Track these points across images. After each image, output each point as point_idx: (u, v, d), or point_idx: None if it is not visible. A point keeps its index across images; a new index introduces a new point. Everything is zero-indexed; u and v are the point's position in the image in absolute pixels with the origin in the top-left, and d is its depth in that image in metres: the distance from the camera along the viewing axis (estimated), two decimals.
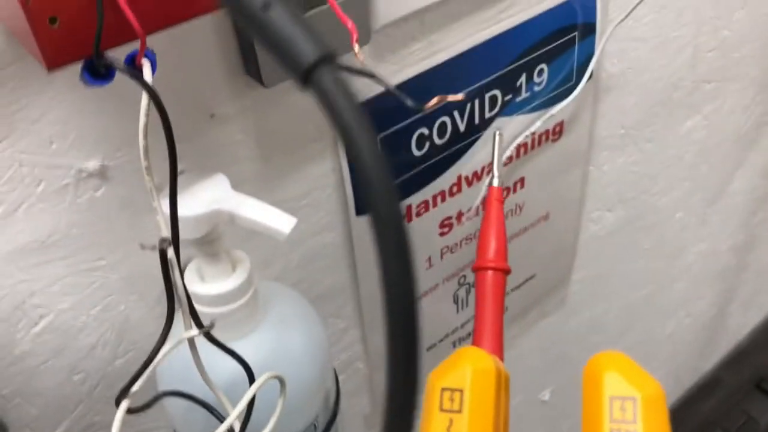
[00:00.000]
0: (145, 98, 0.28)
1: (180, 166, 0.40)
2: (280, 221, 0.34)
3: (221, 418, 0.37)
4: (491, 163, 0.57)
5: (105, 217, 0.39)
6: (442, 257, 0.60)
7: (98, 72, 0.27)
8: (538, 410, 0.89)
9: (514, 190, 0.61)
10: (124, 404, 0.31)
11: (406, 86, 0.48)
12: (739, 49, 0.74)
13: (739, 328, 1.24)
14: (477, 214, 0.59)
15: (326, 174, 0.47)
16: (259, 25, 0.18)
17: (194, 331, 0.32)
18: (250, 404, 0.35)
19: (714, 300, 1.09)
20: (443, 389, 0.22)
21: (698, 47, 0.69)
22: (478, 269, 0.26)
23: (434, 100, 0.28)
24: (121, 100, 0.36)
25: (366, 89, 0.45)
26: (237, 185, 0.35)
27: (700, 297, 1.05)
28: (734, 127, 0.82)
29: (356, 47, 0.27)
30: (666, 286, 0.94)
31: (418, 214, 0.55)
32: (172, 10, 0.28)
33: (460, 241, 0.60)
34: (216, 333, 0.38)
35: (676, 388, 1.21)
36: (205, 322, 0.34)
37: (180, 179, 0.36)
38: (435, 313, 0.63)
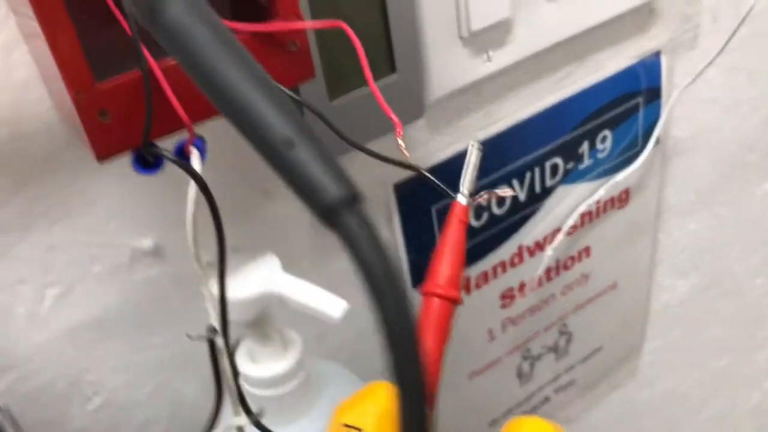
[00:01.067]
0: (193, 187, 0.27)
1: (234, 243, 0.40)
2: (331, 305, 0.33)
3: None
4: (555, 232, 0.55)
5: (159, 296, 0.39)
6: (503, 330, 0.57)
7: (147, 161, 0.27)
8: None
9: (579, 259, 0.59)
10: None
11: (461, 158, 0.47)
12: None
13: None
14: (540, 285, 0.57)
15: None
16: (282, 165, 0.17)
17: (243, 419, 0.31)
18: None
19: None
20: (345, 425, 0.20)
21: None
22: (425, 293, 0.23)
23: (483, 197, 0.27)
24: (175, 181, 0.36)
25: (424, 159, 0.45)
26: (292, 259, 0.34)
27: None
28: None
29: (400, 141, 0.26)
30: (747, 355, 0.89)
31: (478, 286, 0.53)
32: None
33: (523, 313, 0.58)
34: (265, 418, 0.37)
35: None
36: (255, 404, 0.34)
37: (231, 259, 0.36)
38: (497, 386, 0.61)
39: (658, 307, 0.71)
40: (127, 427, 0.42)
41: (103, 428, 0.41)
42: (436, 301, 0.24)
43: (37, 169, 0.33)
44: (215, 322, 0.30)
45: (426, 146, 0.45)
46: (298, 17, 0.28)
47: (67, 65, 0.24)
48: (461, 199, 0.25)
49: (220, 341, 0.30)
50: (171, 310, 0.40)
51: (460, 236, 0.25)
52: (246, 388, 0.37)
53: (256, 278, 0.34)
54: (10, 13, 0.29)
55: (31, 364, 0.37)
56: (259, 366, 0.37)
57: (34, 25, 0.24)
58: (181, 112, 0.26)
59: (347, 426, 0.21)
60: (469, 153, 0.25)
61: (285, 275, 0.34)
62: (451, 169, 0.47)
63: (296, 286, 0.34)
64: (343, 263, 0.45)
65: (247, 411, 0.32)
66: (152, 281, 0.38)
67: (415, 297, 0.50)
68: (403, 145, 0.26)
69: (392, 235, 0.46)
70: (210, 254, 0.39)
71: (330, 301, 0.33)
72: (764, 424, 1.02)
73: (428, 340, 0.24)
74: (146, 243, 0.37)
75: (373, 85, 0.28)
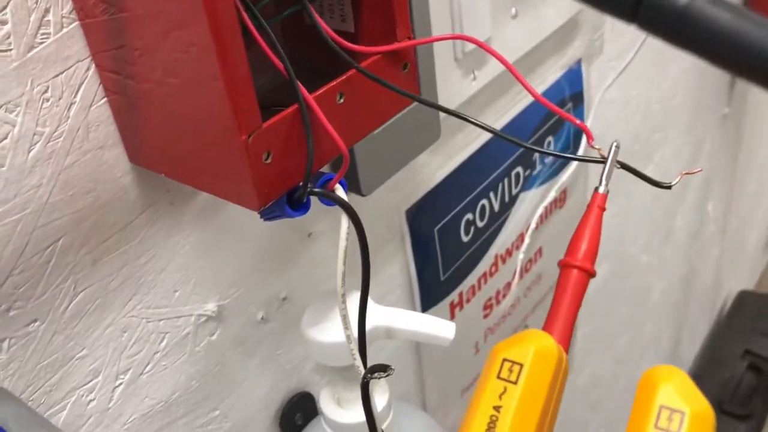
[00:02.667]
0: (345, 221, 0.26)
1: (284, 293, 0.38)
2: (443, 328, 0.33)
3: None
4: (520, 237, 0.58)
5: (219, 362, 0.36)
6: (485, 340, 0.59)
7: (299, 202, 0.26)
8: None
9: (535, 261, 0.62)
10: None
11: (462, 170, 0.48)
12: (674, 99, 0.81)
13: (689, 358, 1.31)
14: (509, 289, 0.60)
15: (395, 275, 0.47)
16: None
17: None
18: None
19: (671, 334, 1.14)
20: (504, 360, 0.23)
21: (648, 101, 0.75)
22: (564, 265, 0.26)
23: (678, 177, 0.29)
24: (231, 235, 0.34)
25: (421, 187, 0.46)
26: None
27: (662, 333, 1.10)
28: (676, 168, 0.89)
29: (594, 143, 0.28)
30: (640, 329, 0.98)
31: (468, 300, 0.55)
32: (366, 120, 0.27)
33: (499, 320, 0.60)
34: None
35: None
36: None
37: (311, 308, 0.34)
38: None
39: (585, 297, 0.77)
40: None
41: None
42: (574, 272, 0.26)
43: (114, 240, 0.29)
44: (357, 362, 0.29)
45: (429, 167, 0.46)
46: (411, 38, 0.28)
47: (241, 106, 0.22)
48: (601, 189, 0.27)
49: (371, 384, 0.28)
50: (229, 375, 0.37)
51: (598, 220, 0.27)
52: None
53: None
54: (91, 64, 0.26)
55: None
56: (351, 412, 0.35)
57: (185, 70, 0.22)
58: (338, 140, 0.25)
59: (508, 360, 0.23)
60: (610, 151, 0.27)
61: (386, 308, 0.34)
62: (451, 186, 0.48)
63: (403, 316, 0.33)
64: (377, 286, 0.44)
65: None
66: (213, 347, 0.35)
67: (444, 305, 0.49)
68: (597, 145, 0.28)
69: (404, 252, 0.46)
70: (262, 308, 0.37)
71: (440, 324, 0.33)
72: None
73: (564, 306, 0.26)
74: (210, 306, 0.34)
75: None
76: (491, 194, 0.53)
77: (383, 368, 0.27)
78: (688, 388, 0.21)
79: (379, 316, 0.33)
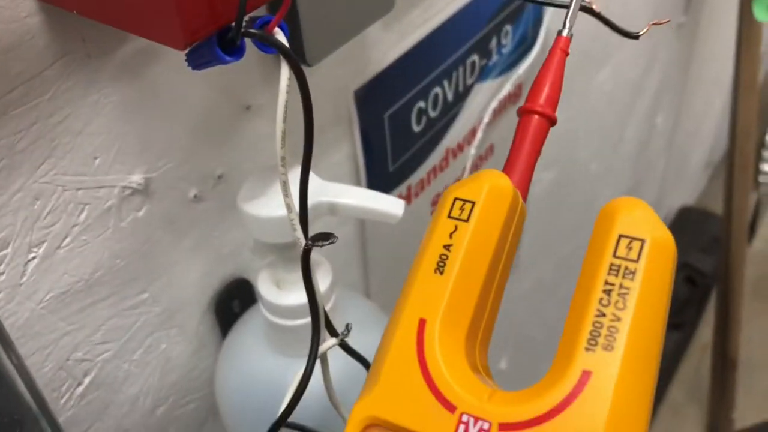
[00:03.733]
0: (285, 71, 0.23)
1: (219, 171, 0.35)
2: (391, 204, 0.31)
3: None
4: (472, 132, 0.56)
5: (147, 240, 0.33)
6: None
7: (233, 45, 0.22)
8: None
9: (486, 158, 0.60)
10: None
11: (416, 52, 0.45)
12: (633, 0, 0.78)
13: None
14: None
15: (341, 162, 0.44)
16: None
17: (332, 341, 0.28)
18: None
19: None
20: (456, 199, 0.21)
21: (607, 1, 0.72)
22: (524, 111, 0.25)
23: (646, 28, 0.27)
24: (158, 101, 0.31)
25: (372, 67, 0.43)
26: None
27: None
28: (631, 75, 0.88)
29: None
30: (585, 237, 0.99)
31: (416, 195, 0.53)
32: None
33: None
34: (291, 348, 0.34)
35: None
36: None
37: (249, 182, 0.32)
38: None
39: (530, 200, 0.76)
40: (117, 407, 0.36)
41: (93, 415, 0.34)
42: (534, 118, 0.24)
43: (20, 92, 0.26)
44: (297, 232, 0.26)
45: (381, 44, 0.43)
46: None
47: None
48: (564, 32, 0.25)
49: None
50: (158, 256, 0.34)
51: (561, 64, 0.25)
52: (274, 320, 0.34)
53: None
54: None
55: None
56: (294, 294, 0.33)
57: None
58: None
59: (459, 199, 0.21)
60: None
61: (331, 183, 0.31)
62: (404, 69, 0.45)
63: (349, 191, 0.31)
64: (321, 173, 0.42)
65: (334, 333, 0.28)
66: (140, 224, 0.32)
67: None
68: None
69: (352, 138, 0.43)
70: (194, 186, 0.34)
71: (388, 200, 0.31)
72: None
73: (523, 153, 0.25)
74: (136, 178, 0.31)
75: None
76: (445, 82, 0.50)
77: (325, 236, 0.24)
78: (649, 218, 0.20)
79: (323, 190, 0.31)
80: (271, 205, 0.30)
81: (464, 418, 0.19)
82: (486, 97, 0.56)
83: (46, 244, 0.29)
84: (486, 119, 0.56)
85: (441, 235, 0.21)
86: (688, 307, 1.32)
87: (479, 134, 0.55)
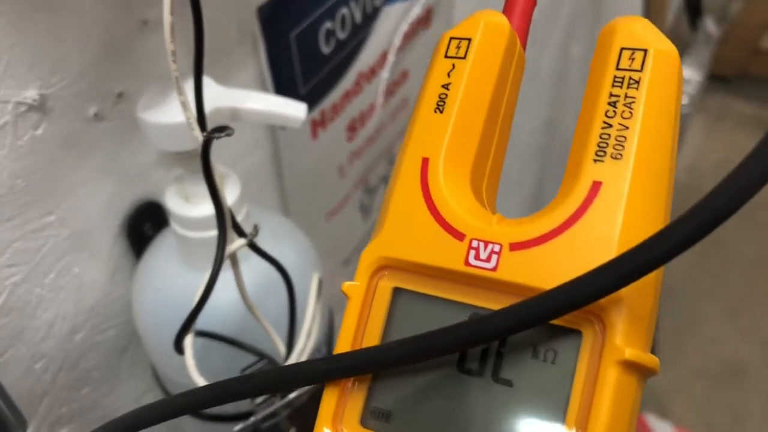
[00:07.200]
0: None
1: (119, 88, 0.35)
2: (293, 107, 0.31)
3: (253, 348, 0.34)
4: (383, 56, 0.56)
5: (49, 160, 0.33)
6: (351, 164, 0.58)
7: None
8: None
9: (401, 84, 0.61)
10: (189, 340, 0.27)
11: None
12: None
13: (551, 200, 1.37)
14: (373, 111, 0.59)
15: (248, 83, 0.44)
16: None
17: (241, 241, 0.29)
18: (293, 314, 0.32)
19: (537, 175, 1.19)
20: (452, 38, 0.21)
21: None
22: None
23: None
24: (49, 14, 0.30)
25: None
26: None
27: (529, 175, 1.14)
28: (545, 1, 0.89)
29: None
30: (510, 167, 1.01)
31: (331, 119, 0.53)
32: None
33: (364, 144, 0.59)
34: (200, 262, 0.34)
35: None
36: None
37: (147, 93, 0.31)
38: (347, 224, 0.62)
39: None
40: (32, 332, 0.35)
41: (7, 340, 0.34)
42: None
43: None
44: (195, 130, 0.26)
45: None
46: None
47: None
48: None
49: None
50: (63, 177, 0.34)
51: None
52: (185, 233, 0.34)
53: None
54: None
55: None
56: (197, 206, 0.33)
57: None
58: None
59: (455, 38, 0.21)
60: None
61: (231, 89, 0.31)
62: None
63: (250, 96, 0.31)
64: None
65: (242, 233, 0.29)
66: (40, 143, 0.32)
67: None
68: None
69: (258, 59, 0.43)
70: (94, 104, 0.34)
71: (290, 103, 0.31)
72: None
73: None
74: (30, 93, 0.30)
75: None
76: (352, 2, 0.50)
77: (221, 129, 0.24)
78: (651, 30, 0.20)
79: (223, 95, 0.31)
80: (171, 112, 0.30)
81: (474, 243, 0.19)
82: (395, 21, 0.56)
83: None
84: (397, 42, 0.56)
85: (439, 75, 0.21)
86: None
87: (391, 57, 0.56)
